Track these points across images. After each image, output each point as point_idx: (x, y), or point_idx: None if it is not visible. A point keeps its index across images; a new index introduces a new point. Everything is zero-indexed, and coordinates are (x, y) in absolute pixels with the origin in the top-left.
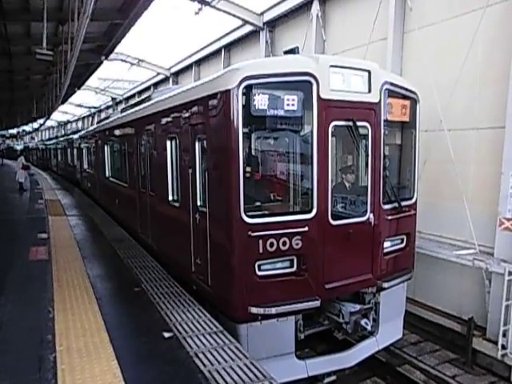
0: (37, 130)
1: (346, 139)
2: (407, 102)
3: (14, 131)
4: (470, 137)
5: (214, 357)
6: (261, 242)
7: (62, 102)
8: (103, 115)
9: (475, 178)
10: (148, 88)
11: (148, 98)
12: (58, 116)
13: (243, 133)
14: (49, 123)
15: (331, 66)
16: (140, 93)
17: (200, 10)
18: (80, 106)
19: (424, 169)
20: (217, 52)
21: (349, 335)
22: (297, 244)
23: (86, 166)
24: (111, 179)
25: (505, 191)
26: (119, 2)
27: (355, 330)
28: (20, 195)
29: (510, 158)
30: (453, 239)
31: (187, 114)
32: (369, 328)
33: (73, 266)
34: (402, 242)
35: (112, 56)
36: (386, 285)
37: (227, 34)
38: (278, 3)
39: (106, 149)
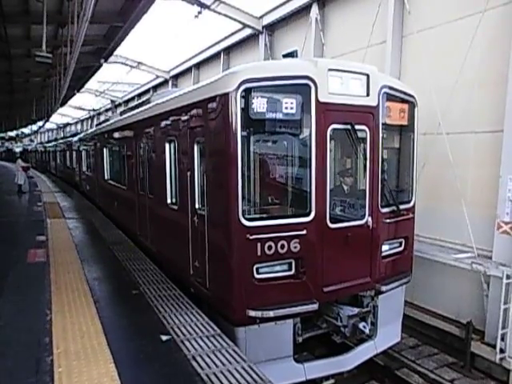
0: (36, 132)
1: (344, 142)
2: (405, 106)
3: (13, 133)
4: (468, 140)
5: (211, 360)
6: (259, 244)
7: (62, 105)
8: (102, 118)
9: (473, 182)
10: (147, 91)
11: (147, 101)
12: (57, 118)
13: (242, 136)
14: (48, 125)
15: (330, 69)
16: (139, 96)
17: (199, 13)
18: (79, 108)
19: (422, 172)
20: (216, 55)
21: (347, 338)
22: (295, 247)
23: (84, 169)
24: (110, 182)
25: (503, 194)
26: (119, 5)
27: (353, 333)
28: (19, 198)
29: (508, 162)
30: (451, 242)
31: (186, 117)
32: (367, 331)
33: (71, 269)
34: (400, 246)
35: (111, 59)
36: (384, 288)
37: (226, 37)
38: (278, 7)
39: (105, 151)
